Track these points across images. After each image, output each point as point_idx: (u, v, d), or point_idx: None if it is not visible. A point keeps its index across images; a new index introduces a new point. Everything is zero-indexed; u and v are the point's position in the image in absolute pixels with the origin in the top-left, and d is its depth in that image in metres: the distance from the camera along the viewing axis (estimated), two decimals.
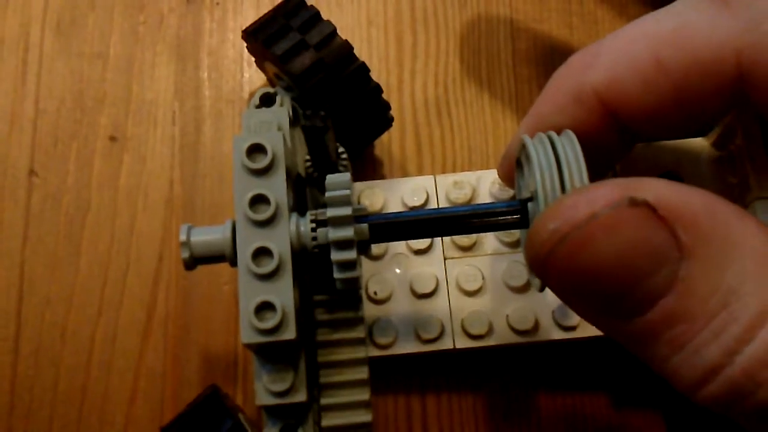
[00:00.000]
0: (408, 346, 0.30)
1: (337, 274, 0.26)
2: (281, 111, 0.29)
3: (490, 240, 0.32)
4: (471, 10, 0.38)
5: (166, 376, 0.33)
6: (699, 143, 0.31)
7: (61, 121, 0.36)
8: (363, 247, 0.27)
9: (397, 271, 0.32)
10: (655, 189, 0.21)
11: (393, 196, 0.32)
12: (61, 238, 0.34)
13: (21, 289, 0.34)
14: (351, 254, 0.26)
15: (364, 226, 0.26)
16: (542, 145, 0.25)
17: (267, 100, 0.31)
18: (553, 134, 0.25)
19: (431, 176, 0.33)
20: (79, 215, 0.35)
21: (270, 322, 0.25)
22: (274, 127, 0.28)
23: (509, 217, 0.26)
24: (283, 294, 0.26)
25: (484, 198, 0.32)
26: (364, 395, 0.28)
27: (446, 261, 0.32)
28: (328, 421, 0.28)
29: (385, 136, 0.36)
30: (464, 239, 0.32)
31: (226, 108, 0.36)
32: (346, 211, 0.26)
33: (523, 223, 0.26)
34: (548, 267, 0.22)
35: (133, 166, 0.35)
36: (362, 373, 0.28)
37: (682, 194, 0.21)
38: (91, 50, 0.37)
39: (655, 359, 0.21)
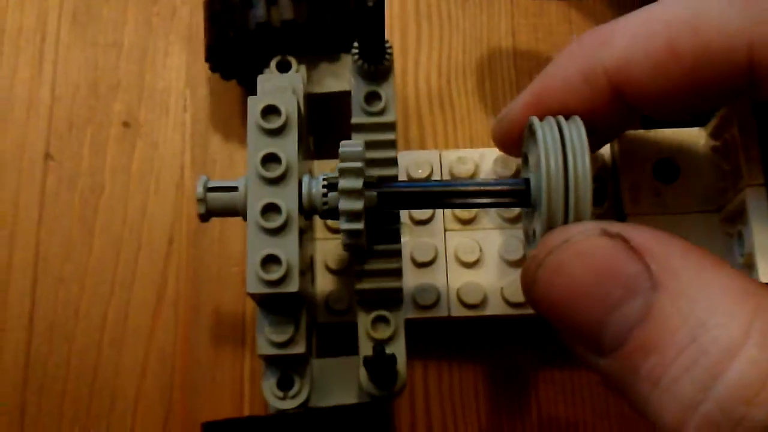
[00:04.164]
0: (405, 312, 0.31)
1: (345, 240, 0.28)
2: (296, 77, 0.31)
3: (489, 215, 0.33)
4: (473, 3, 0.39)
5: (175, 354, 0.34)
6: (696, 133, 0.32)
7: (76, 108, 0.37)
8: (372, 211, 0.28)
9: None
10: (632, 228, 0.23)
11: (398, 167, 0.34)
12: (75, 220, 0.35)
13: (36, 268, 0.35)
14: (359, 225, 0.27)
15: (374, 193, 0.28)
16: (550, 127, 0.26)
17: (283, 67, 0.32)
18: (561, 118, 0.26)
19: (436, 150, 0.34)
20: (92, 198, 0.36)
21: (275, 274, 0.27)
22: (289, 91, 0.30)
23: (513, 193, 0.27)
24: (288, 249, 0.27)
25: (486, 174, 0.33)
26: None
27: (446, 233, 0.33)
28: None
29: None
30: (465, 213, 0.33)
31: None
32: (357, 183, 0.27)
33: (525, 201, 0.27)
34: (532, 294, 0.24)
35: (146, 151, 0.36)
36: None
37: (658, 234, 0.22)
38: (106, 40, 0.38)
39: (638, 399, 0.21)
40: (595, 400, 0.33)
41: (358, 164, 0.27)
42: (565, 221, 0.25)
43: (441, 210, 0.33)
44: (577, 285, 0.22)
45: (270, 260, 0.27)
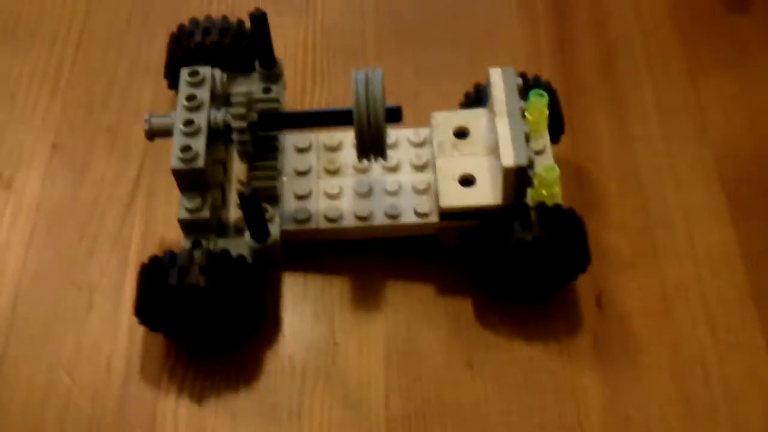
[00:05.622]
0: (286, 225, 0.47)
1: (235, 137, 0.45)
2: (216, 70, 0.49)
3: (349, 168, 0.50)
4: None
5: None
6: (481, 111, 0.49)
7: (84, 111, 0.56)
8: (255, 128, 0.45)
9: (284, 178, 0.49)
10: None
11: None
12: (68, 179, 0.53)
13: None
14: (243, 123, 0.45)
15: (255, 114, 0.46)
16: (361, 73, 0.44)
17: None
18: (369, 68, 0.44)
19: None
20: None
21: (188, 155, 0.44)
22: (208, 70, 0.48)
23: (342, 115, 0.46)
24: (198, 144, 0.45)
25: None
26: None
27: (318, 179, 0.49)
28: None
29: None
30: (331, 165, 0.49)
31: None
32: (242, 109, 0.45)
33: (350, 120, 0.44)
34: None
35: (123, 142, 0.55)
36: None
37: None
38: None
39: None
40: (431, 299, 0.48)
41: (243, 98, 0.45)
42: (368, 129, 0.43)
43: (315, 164, 0.50)
44: None
45: (186, 149, 0.45)
